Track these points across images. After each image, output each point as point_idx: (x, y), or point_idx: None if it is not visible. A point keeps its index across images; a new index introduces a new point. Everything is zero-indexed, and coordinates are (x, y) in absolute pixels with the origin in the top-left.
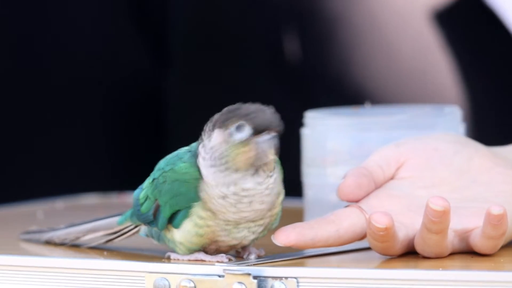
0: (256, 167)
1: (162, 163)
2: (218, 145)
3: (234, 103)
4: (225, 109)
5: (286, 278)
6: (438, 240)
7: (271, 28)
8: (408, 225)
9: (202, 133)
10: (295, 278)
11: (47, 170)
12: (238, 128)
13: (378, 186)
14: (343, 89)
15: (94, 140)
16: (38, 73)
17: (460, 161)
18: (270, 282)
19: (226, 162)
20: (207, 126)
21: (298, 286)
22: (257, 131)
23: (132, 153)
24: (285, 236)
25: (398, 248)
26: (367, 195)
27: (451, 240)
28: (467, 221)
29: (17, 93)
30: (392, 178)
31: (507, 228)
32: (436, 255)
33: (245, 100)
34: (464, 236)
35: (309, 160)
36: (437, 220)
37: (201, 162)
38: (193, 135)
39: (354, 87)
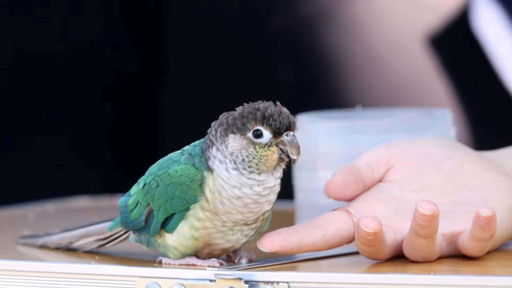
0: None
1: (153, 168)
2: (238, 151)
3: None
4: (237, 114)
5: (278, 282)
6: (426, 244)
7: (266, 49)
8: (396, 229)
9: (211, 137)
10: (286, 282)
11: (38, 173)
12: (256, 132)
13: (366, 186)
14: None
15: (86, 144)
16: (32, 77)
17: (450, 166)
18: (261, 286)
19: (250, 166)
20: (218, 131)
21: None
22: (277, 134)
23: (124, 157)
24: (270, 242)
25: (386, 252)
26: (355, 194)
27: (439, 244)
28: (455, 224)
29: (8, 96)
30: (381, 179)
31: (496, 230)
32: (424, 259)
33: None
34: (452, 239)
35: (300, 163)
36: (426, 224)
37: (219, 165)
38: (186, 140)
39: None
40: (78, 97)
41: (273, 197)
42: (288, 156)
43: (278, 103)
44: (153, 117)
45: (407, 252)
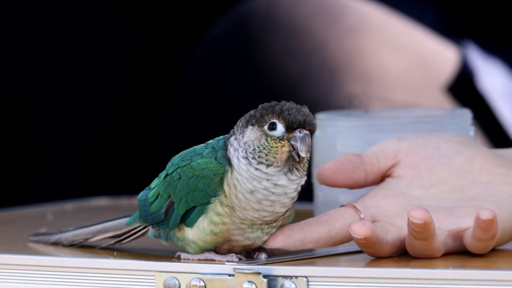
0: (289, 165)
1: (176, 159)
2: (251, 141)
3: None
4: (259, 107)
5: (296, 277)
6: (425, 245)
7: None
8: (401, 226)
9: (235, 128)
10: (305, 277)
11: (57, 174)
12: (272, 125)
13: (369, 175)
14: None
15: (105, 147)
16: (53, 78)
17: (460, 161)
18: (280, 281)
19: (259, 156)
20: (240, 122)
21: (308, 285)
22: (290, 129)
23: (141, 160)
24: (272, 239)
25: (388, 250)
26: (350, 181)
27: (443, 241)
28: (461, 220)
29: (27, 98)
30: (387, 171)
31: (498, 230)
32: (427, 257)
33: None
34: (458, 235)
35: (319, 161)
36: (420, 230)
37: (233, 153)
38: (200, 141)
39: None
40: (98, 103)
41: (287, 200)
42: (299, 156)
43: (304, 106)
44: (174, 119)
45: (409, 250)
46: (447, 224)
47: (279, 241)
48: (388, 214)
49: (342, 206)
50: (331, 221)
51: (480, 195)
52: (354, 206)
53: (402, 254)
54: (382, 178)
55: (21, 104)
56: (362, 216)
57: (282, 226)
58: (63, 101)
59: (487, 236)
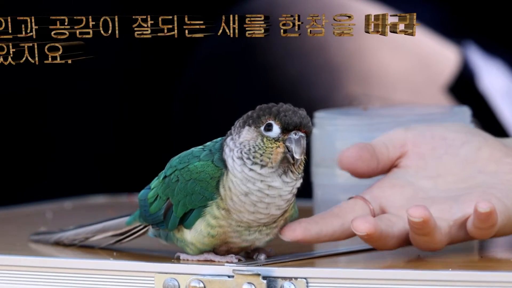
0: (284, 166)
1: (174, 161)
2: (247, 141)
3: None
4: (257, 108)
5: (296, 278)
6: (427, 240)
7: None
8: (407, 218)
9: (232, 129)
10: (304, 278)
11: (56, 172)
12: (268, 126)
13: (380, 164)
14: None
15: (105, 144)
16: (56, 78)
17: (467, 151)
18: (279, 282)
19: (254, 157)
20: (238, 122)
21: (307, 286)
22: (286, 130)
23: (142, 157)
24: (291, 231)
25: (393, 243)
26: (367, 169)
27: (446, 232)
28: (467, 206)
29: (28, 97)
30: (396, 160)
31: (497, 220)
32: (430, 250)
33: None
34: (463, 223)
35: (318, 160)
36: (420, 227)
37: (228, 153)
38: (203, 139)
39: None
40: (98, 101)
41: (282, 203)
42: (293, 158)
43: (302, 108)
44: (173, 116)
45: (413, 243)
46: (452, 213)
47: (298, 234)
48: (395, 205)
49: (351, 198)
50: (343, 214)
51: (486, 183)
52: (364, 198)
53: (402, 254)
54: (390, 168)
55: (21, 104)
56: (371, 207)
57: (283, 226)
58: (64, 101)
59: (486, 225)
